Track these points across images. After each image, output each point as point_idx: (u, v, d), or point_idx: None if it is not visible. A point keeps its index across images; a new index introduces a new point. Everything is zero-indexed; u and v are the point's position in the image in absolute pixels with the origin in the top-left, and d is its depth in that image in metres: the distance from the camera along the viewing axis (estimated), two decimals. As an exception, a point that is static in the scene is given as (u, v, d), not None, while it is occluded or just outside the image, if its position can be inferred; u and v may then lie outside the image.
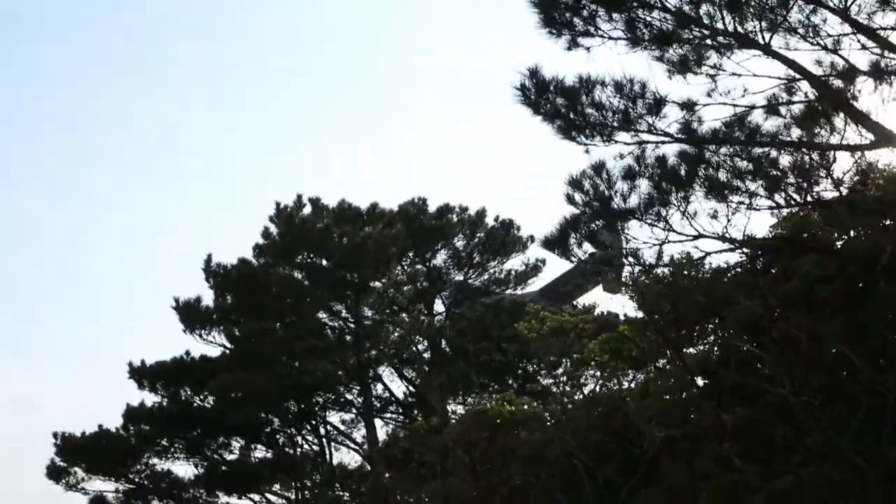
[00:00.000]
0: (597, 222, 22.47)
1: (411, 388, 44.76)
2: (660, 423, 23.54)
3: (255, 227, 45.41)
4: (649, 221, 21.49)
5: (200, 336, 44.34)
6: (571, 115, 22.01)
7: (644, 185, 21.88)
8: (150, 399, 46.86)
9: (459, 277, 46.95)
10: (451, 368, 40.20)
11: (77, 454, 46.30)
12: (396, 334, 41.30)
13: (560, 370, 36.50)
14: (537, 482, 26.12)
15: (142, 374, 47.08)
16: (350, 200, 45.02)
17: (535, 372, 39.67)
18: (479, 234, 47.19)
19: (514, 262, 47.77)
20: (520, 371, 40.56)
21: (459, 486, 27.88)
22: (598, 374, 30.86)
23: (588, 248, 22.70)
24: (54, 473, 46.81)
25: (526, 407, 29.55)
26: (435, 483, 29.36)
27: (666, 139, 21.52)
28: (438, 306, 46.27)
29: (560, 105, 21.98)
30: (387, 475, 36.86)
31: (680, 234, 21.21)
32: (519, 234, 47.47)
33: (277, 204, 44.26)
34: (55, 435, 46.47)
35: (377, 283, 44.00)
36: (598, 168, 22.22)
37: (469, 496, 27.56)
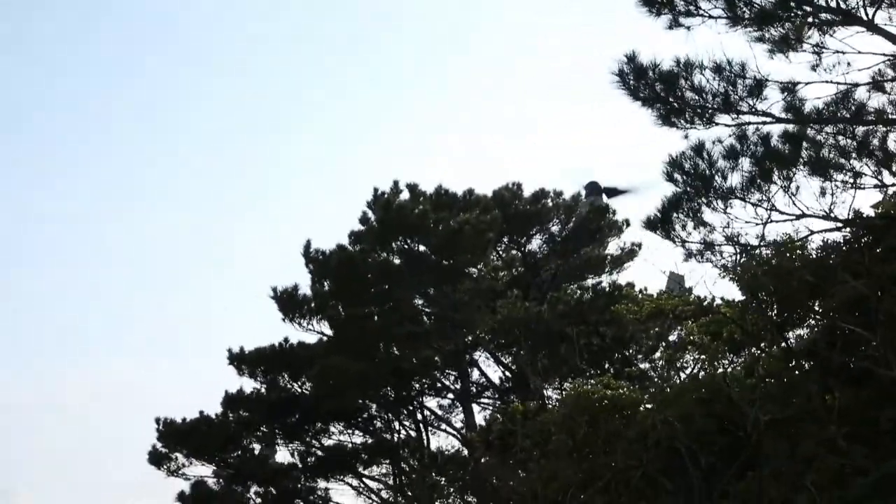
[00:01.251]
0: (699, 201, 22.36)
1: (508, 374, 44.76)
2: (763, 406, 23.31)
3: (352, 213, 45.55)
4: (752, 201, 21.34)
5: (299, 324, 44.75)
6: (671, 100, 21.94)
7: (745, 164, 21.73)
8: (249, 385, 47.39)
9: (554, 263, 46.77)
10: (549, 353, 40.07)
11: (178, 440, 46.89)
12: (493, 320, 41.19)
13: (658, 354, 36.26)
14: (640, 466, 25.99)
15: (241, 361, 47.55)
16: (447, 186, 45.03)
17: (632, 356, 39.45)
18: (573, 219, 46.98)
19: (610, 247, 47.55)
20: (617, 355, 40.36)
21: (561, 470, 27.80)
22: (698, 357, 30.62)
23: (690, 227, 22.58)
24: (156, 459, 47.46)
25: (625, 391, 29.35)
26: (535, 467, 29.28)
27: (768, 119, 21.35)
28: (534, 291, 46.12)
29: (659, 90, 21.91)
30: (485, 459, 36.83)
31: (783, 213, 21.03)
32: (614, 219, 47.22)
33: (375, 190, 44.48)
34: (157, 421, 47.14)
35: (473, 269, 44.04)
36: (698, 149, 22.14)
37: (570, 480, 27.49)
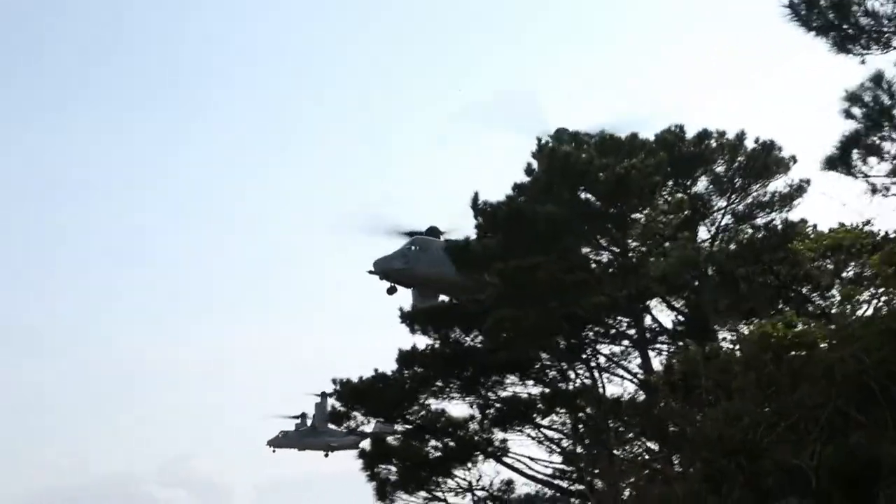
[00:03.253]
0: (881, 134, 21.94)
1: (681, 317, 44.39)
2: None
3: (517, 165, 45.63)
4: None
5: (471, 277, 44.96)
6: (844, 27, 21.52)
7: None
8: (422, 342, 47.86)
9: (722, 203, 46.19)
10: (723, 294, 39.66)
11: (355, 398, 47.64)
12: (664, 264, 40.86)
13: (835, 290, 35.69)
14: (828, 403, 25.66)
15: (413, 318, 48.08)
16: (609, 131, 44.66)
17: (809, 292, 38.89)
18: (739, 158, 46.22)
19: (778, 184, 46.68)
20: (793, 293, 39.80)
21: (746, 410, 27.59)
22: (877, 291, 30.08)
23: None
24: (335, 418, 48.30)
25: (808, 327, 28.97)
26: (719, 408, 29.10)
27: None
28: (703, 233, 45.70)
29: (831, 17, 21.50)
30: (663, 403, 36.68)
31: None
32: (780, 155, 46.33)
33: (538, 139, 44.39)
34: (334, 381, 47.98)
35: (641, 214, 43.72)
36: (877, 78, 21.65)
37: (756, 420, 27.28)
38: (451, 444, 47.27)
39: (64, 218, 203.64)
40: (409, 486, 47.79)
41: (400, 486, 47.88)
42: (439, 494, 48.33)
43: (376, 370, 47.75)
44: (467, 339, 47.05)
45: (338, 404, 48.29)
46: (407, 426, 48.01)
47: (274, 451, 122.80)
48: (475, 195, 44.43)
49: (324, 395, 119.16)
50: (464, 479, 48.23)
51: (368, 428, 50.77)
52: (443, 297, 56.48)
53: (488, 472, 47.71)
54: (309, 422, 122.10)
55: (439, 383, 47.25)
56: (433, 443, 48.02)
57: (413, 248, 60.04)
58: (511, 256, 43.07)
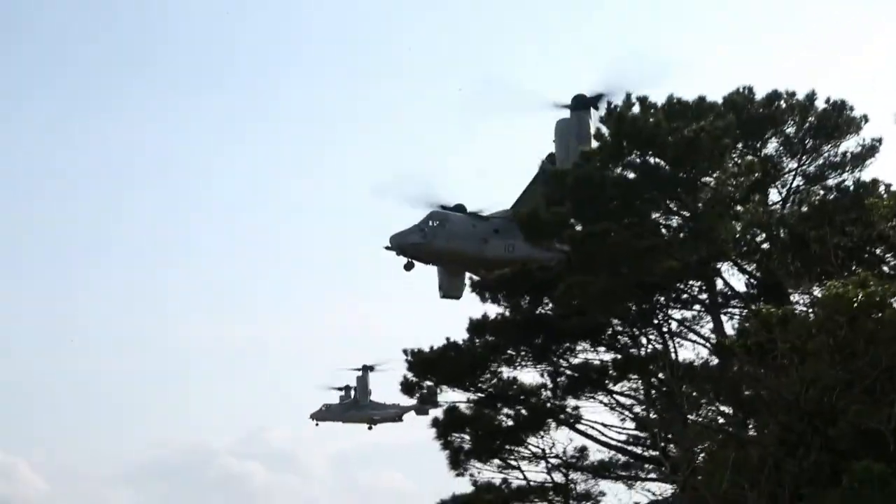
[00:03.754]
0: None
1: (754, 281, 44.04)
2: None
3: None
4: None
5: (541, 245, 44.88)
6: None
7: None
8: (493, 311, 47.81)
9: (793, 165, 45.73)
10: (796, 256, 39.31)
11: (427, 368, 47.71)
12: (735, 227, 40.56)
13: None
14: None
15: (483, 287, 48.08)
16: (678, 95, 44.27)
17: (882, 253, 38.46)
18: (809, 119, 45.74)
19: (849, 144, 46.13)
20: (866, 254, 39.35)
21: (822, 373, 27.37)
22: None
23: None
24: (407, 388, 48.45)
25: (880, 288, 28.65)
26: (794, 371, 28.89)
27: None
28: (774, 196, 45.29)
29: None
30: (738, 367, 36.44)
31: None
32: (852, 115, 45.80)
33: (608, 104, 44.14)
34: (405, 351, 48.05)
35: (710, 178, 43.37)
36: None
37: (832, 382, 27.06)
38: (524, 412, 47.24)
39: (129, 205, 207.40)
40: (483, 455, 47.89)
41: (473, 455, 47.98)
42: (513, 462, 48.43)
43: (447, 339, 47.78)
44: (538, 306, 46.93)
45: (409, 374, 48.33)
46: (479, 395, 47.95)
47: (317, 425, 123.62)
48: (543, 160, 44.32)
49: (365, 369, 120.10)
50: (537, 447, 48.30)
51: (441, 398, 50.69)
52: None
53: (561, 440, 47.76)
54: (353, 395, 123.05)
55: (510, 351, 47.18)
56: (505, 411, 48.01)
57: (431, 222, 58.59)
58: (581, 223, 43.00)
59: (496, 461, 47.87)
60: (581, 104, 52.79)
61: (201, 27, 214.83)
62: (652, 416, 44.98)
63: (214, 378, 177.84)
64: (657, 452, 42.89)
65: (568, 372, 47.01)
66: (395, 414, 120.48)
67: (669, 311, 45.39)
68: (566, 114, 53.01)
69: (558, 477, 49.00)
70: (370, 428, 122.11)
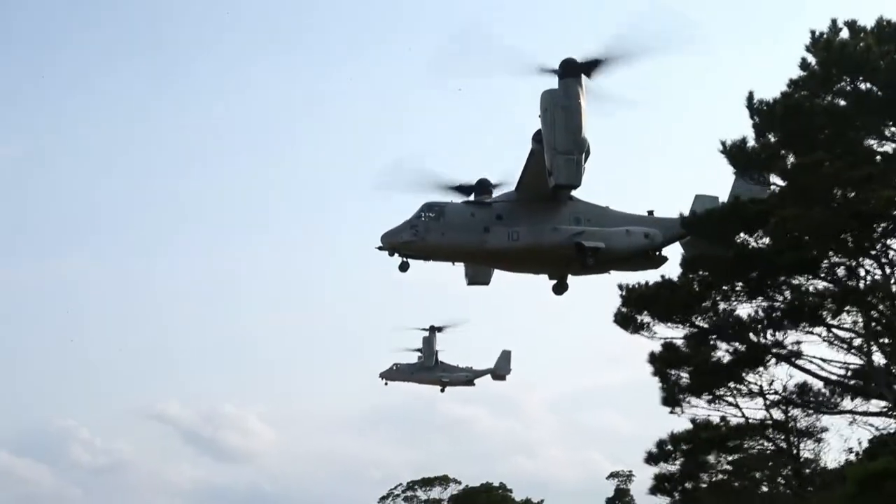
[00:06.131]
0: None
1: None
2: None
3: (790, 62, 44.16)
4: None
5: (750, 178, 44.15)
6: None
7: None
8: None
9: None
10: None
11: (641, 303, 47.53)
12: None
13: None
14: None
15: (691, 224, 47.60)
16: (888, 17, 42.82)
17: None
18: None
19: None
20: None
21: None
22: None
23: None
24: (622, 320, 48.32)
25: None
26: None
27: None
28: None
29: None
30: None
31: None
32: None
33: (812, 32, 42.90)
34: (620, 287, 48.05)
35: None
36: None
37: None
38: (741, 347, 46.69)
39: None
40: (700, 391, 47.65)
41: (690, 391, 47.80)
42: (730, 399, 48.07)
43: (662, 276, 47.68)
44: (751, 240, 46.21)
45: (624, 309, 48.12)
46: (693, 330, 47.48)
47: (386, 384, 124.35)
48: (750, 94, 43.39)
49: (432, 330, 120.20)
50: (755, 384, 47.83)
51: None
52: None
53: (780, 376, 47.16)
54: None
55: (725, 287, 46.60)
56: (723, 347, 47.57)
57: (424, 215, 54.31)
58: (791, 154, 42.17)
59: (713, 398, 47.63)
60: (571, 71, 48.57)
61: None
62: (873, 348, 43.94)
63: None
64: (880, 386, 42.02)
65: (784, 306, 46.20)
66: (465, 377, 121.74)
67: (888, 241, 44.05)
68: (554, 82, 48.87)
69: (777, 414, 48.49)
70: (442, 390, 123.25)
